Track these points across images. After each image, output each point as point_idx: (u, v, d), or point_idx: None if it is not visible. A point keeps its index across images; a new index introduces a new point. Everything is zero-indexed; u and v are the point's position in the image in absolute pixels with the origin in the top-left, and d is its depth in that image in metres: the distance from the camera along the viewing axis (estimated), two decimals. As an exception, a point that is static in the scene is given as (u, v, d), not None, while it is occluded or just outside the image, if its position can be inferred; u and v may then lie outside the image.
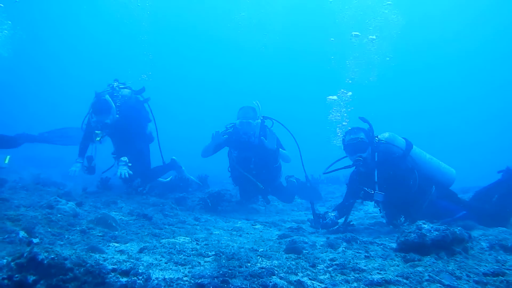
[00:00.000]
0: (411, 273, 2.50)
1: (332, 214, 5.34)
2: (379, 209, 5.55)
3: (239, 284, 2.20)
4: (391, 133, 5.49)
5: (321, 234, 4.93)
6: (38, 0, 35.94)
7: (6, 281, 2.00)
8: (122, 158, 7.31)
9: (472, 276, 2.48)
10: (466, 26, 36.49)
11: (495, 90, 40.56)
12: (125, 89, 7.94)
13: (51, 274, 2.07)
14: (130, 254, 3.03)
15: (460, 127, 41.12)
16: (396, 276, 2.51)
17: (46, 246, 2.75)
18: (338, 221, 5.36)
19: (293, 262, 2.97)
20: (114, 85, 7.76)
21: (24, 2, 33.22)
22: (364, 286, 2.37)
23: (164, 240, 3.73)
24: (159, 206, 6.41)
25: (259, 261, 2.96)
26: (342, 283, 2.44)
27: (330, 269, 2.80)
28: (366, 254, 3.03)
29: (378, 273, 2.61)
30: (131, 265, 2.43)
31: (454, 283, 2.33)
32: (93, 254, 2.75)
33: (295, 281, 2.39)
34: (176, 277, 2.35)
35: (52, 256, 2.16)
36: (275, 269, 2.62)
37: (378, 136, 5.47)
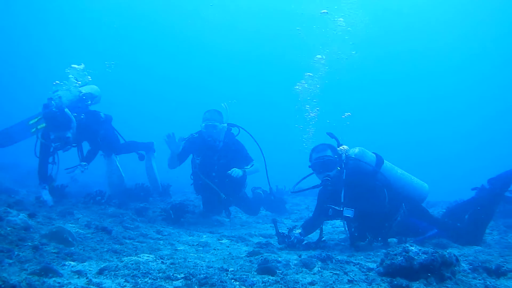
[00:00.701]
0: (399, 301, 2.32)
1: (297, 232, 5.11)
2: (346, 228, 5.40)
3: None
4: (361, 148, 5.35)
5: (292, 251, 4.71)
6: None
7: None
8: (82, 163, 7.15)
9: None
10: (443, 26, 36.96)
11: (466, 99, 41.02)
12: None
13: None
14: (88, 277, 2.71)
15: (431, 138, 41.40)
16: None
17: (-9, 268, 2.41)
18: (303, 238, 5.13)
19: None
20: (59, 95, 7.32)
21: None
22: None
23: (126, 258, 3.41)
24: (118, 217, 6.04)
25: (234, 286, 2.70)
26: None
27: (310, 295, 2.58)
28: (349, 278, 2.83)
29: (363, 300, 2.42)
30: (90, 293, 2.13)
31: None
32: (46, 279, 2.43)
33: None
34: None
35: (-2, 285, 1.84)
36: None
37: (348, 152, 5.33)
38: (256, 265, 3.57)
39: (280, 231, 5.12)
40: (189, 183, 7.93)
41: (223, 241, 5.19)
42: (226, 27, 39.21)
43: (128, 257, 3.47)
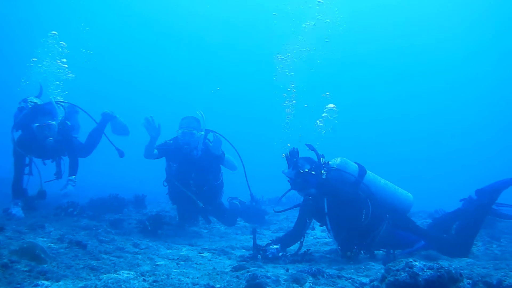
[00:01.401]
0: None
1: (274, 247, 4.91)
2: (332, 240, 5.26)
3: None
4: (342, 158, 5.23)
5: (278, 264, 4.52)
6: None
7: None
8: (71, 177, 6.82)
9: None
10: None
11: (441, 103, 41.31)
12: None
13: None
14: (66, 299, 2.46)
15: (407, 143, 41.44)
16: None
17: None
18: (280, 254, 4.94)
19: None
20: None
21: None
22: None
23: (104, 276, 3.16)
24: (92, 230, 5.74)
25: (226, 306, 2.49)
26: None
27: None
28: None
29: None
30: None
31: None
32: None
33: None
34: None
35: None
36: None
37: (329, 162, 5.20)
38: (244, 281, 3.37)
39: (258, 242, 4.93)
40: (164, 193, 7.69)
41: (204, 255, 4.96)
42: (205, 17, 38.56)
43: (107, 275, 3.22)
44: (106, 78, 40.00)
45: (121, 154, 7.70)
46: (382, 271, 3.89)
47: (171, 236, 6.46)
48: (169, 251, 5.17)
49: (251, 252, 5.44)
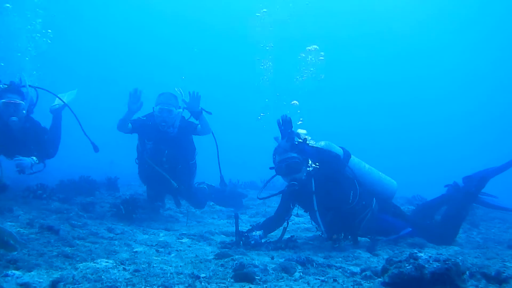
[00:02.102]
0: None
1: (257, 234, 4.72)
2: (316, 226, 5.11)
3: None
4: (327, 141, 5.06)
5: (262, 251, 4.36)
6: None
7: None
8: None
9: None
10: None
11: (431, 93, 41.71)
12: None
13: None
14: (40, 292, 2.23)
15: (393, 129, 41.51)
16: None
17: None
18: (262, 242, 4.76)
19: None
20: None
21: None
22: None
23: (81, 264, 2.92)
24: (63, 213, 5.47)
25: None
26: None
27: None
28: None
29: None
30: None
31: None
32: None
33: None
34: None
35: None
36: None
37: (314, 145, 5.02)
38: (231, 270, 3.19)
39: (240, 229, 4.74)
40: (135, 174, 7.42)
41: (183, 241, 4.75)
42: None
43: (84, 263, 2.99)
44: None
45: (96, 149, 7.30)
46: (372, 259, 3.81)
47: (146, 220, 6.21)
48: (146, 236, 4.94)
49: (231, 238, 5.28)
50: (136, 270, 2.88)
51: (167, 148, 6.64)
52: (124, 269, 2.92)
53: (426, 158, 35.93)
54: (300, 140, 4.59)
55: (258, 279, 2.98)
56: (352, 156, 4.97)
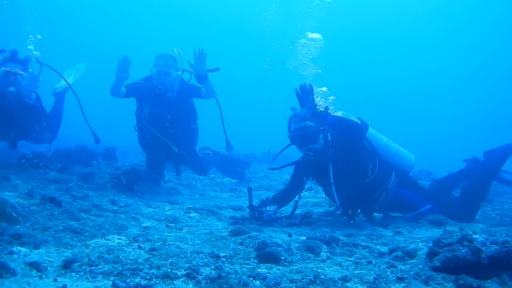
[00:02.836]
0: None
1: (271, 209, 4.43)
2: (329, 200, 4.89)
3: None
4: (344, 111, 4.75)
5: (276, 227, 4.13)
6: None
7: None
8: None
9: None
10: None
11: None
12: None
13: None
14: (52, 274, 1.96)
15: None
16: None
17: None
18: (275, 217, 4.53)
19: None
20: None
21: None
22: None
23: (91, 241, 2.66)
24: (62, 183, 5.19)
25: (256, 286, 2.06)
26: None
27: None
28: (398, 275, 2.25)
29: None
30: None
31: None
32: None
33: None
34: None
35: None
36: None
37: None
38: (252, 249, 2.96)
39: (239, 201, 4.50)
40: (131, 145, 7.18)
41: (191, 215, 4.51)
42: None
43: (94, 240, 2.73)
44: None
45: (97, 140, 6.97)
46: (398, 238, 3.59)
47: (147, 192, 5.96)
48: (151, 209, 4.69)
49: (239, 212, 5.06)
50: (152, 249, 2.63)
51: (168, 113, 6.34)
52: (139, 247, 2.67)
53: (431, 132, 35.87)
54: (321, 109, 4.31)
55: (283, 259, 2.75)
56: (369, 128, 4.70)
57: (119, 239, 2.80)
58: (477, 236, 2.16)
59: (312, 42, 6.09)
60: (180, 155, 6.40)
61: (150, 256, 2.46)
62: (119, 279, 1.90)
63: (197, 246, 2.93)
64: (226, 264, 2.52)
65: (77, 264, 2.08)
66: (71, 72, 7.54)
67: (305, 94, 4.29)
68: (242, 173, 8.16)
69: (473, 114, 38.87)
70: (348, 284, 2.20)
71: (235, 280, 1.95)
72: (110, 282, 1.87)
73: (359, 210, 4.39)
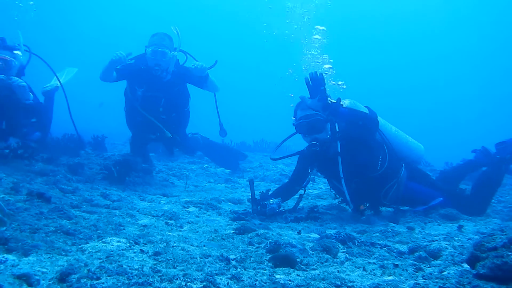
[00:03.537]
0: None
1: (274, 202, 4.16)
2: (334, 193, 4.65)
3: None
4: (351, 100, 4.49)
5: (283, 223, 3.88)
6: None
7: None
8: None
9: None
10: None
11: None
12: None
13: None
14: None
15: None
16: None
17: None
18: (278, 210, 4.29)
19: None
20: None
21: None
22: None
23: (88, 245, 2.38)
24: (49, 176, 4.86)
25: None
26: None
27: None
28: (439, 284, 2.01)
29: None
30: None
31: None
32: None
33: None
34: None
35: None
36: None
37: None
38: (264, 250, 2.71)
39: (236, 193, 4.27)
40: (118, 134, 6.92)
41: (190, 210, 4.23)
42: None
43: (91, 243, 2.44)
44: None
45: (82, 142, 6.71)
46: (416, 236, 3.35)
47: (139, 184, 5.66)
48: (146, 204, 4.41)
49: (239, 206, 4.81)
50: (157, 253, 2.36)
51: (163, 96, 6.06)
52: (142, 251, 2.39)
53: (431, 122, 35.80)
54: (333, 100, 4.04)
55: (299, 261, 2.50)
56: (378, 117, 4.45)
57: (118, 241, 2.52)
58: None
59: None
60: (174, 138, 6.17)
61: (156, 262, 2.18)
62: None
63: (204, 248, 2.66)
64: (239, 269, 2.27)
65: (75, 276, 1.80)
66: (61, 75, 7.19)
67: (316, 84, 4.01)
68: (236, 164, 7.87)
69: (470, 106, 38.87)
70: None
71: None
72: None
73: (367, 204, 4.15)
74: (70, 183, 4.74)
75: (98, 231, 2.75)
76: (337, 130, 4.18)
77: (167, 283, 1.82)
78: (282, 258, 2.48)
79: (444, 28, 38.15)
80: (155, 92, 6.07)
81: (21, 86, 5.36)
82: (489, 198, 4.42)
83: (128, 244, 2.48)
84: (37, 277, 1.81)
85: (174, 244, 2.63)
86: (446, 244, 2.83)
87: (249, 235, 3.14)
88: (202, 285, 1.81)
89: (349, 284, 2.08)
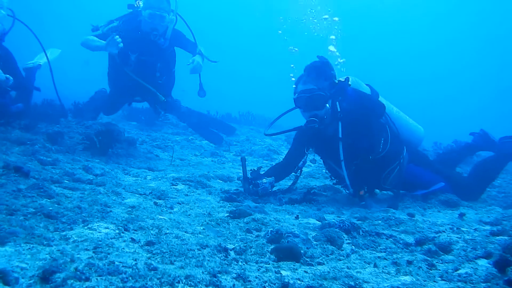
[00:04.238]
0: None
1: (267, 181, 3.96)
2: (329, 174, 4.45)
3: None
4: (353, 77, 4.24)
5: (277, 205, 3.69)
6: None
7: None
8: None
9: None
10: None
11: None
12: None
13: None
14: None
15: None
16: None
17: None
18: (274, 190, 4.11)
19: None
20: None
21: None
22: None
23: (72, 232, 2.13)
24: (27, 145, 4.55)
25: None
26: None
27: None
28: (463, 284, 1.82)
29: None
30: None
31: None
32: None
33: None
34: None
35: None
36: None
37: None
38: (265, 240, 2.50)
39: (225, 168, 4.09)
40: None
41: (179, 187, 4.00)
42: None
43: (76, 229, 2.19)
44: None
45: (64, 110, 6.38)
46: (421, 225, 3.18)
47: (123, 156, 5.39)
48: (133, 179, 4.16)
49: (229, 184, 4.59)
50: (149, 243, 2.13)
51: (159, 61, 5.80)
52: (133, 239, 2.16)
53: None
54: (341, 79, 3.80)
55: (303, 253, 2.31)
56: (380, 96, 4.24)
57: (106, 227, 2.28)
58: None
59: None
60: (167, 102, 6.03)
61: (150, 255, 1.95)
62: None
63: (200, 236, 2.44)
64: (240, 263, 2.06)
65: (60, 276, 1.55)
66: (42, 56, 6.79)
67: (327, 68, 3.84)
68: (220, 137, 7.58)
69: (468, 99, 38.88)
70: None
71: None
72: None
73: (366, 188, 3.97)
74: (50, 153, 4.44)
75: (83, 214, 2.49)
76: (339, 110, 3.94)
77: (167, 281, 1.59)
78: (285, 251, 2.27)
79: (444, 20, 38.05)
80: (149, 57, 5.82)
81: None
82: (486, 185, 4.34)
83: (117, 231, 2.25)
84: (16, 275, 1.56)
85: (167, 231, 2.40)
86: (457, 237, 2.66)
87: (245, 220, 2.93)
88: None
89: (364, 285, 1.89)
